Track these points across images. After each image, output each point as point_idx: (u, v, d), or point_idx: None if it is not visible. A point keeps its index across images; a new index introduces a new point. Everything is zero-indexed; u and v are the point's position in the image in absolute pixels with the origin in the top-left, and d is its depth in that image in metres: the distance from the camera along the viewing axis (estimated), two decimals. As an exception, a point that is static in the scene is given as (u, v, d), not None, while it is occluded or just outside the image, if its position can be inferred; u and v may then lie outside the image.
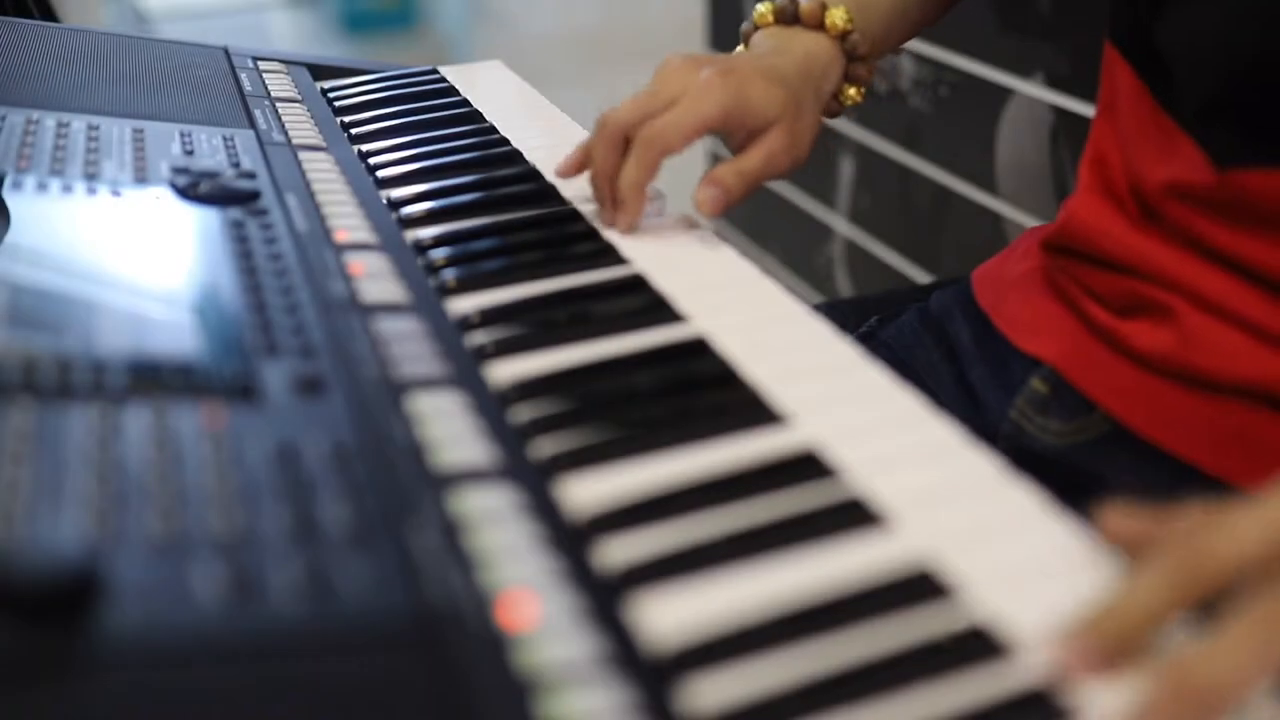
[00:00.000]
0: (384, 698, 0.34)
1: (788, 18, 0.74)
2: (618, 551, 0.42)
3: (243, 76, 0.89)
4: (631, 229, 0.66)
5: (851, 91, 0.76)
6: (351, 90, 0.91)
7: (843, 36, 0.73)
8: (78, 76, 0.84)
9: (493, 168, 0.76)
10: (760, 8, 0.75)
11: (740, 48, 0.77)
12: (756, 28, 0.76)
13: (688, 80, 0.67)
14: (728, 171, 0.68)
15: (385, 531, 0.40)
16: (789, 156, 0.70)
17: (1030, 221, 1.30)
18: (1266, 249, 0.60)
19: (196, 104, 0.83)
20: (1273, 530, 0.37)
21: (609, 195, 0.67)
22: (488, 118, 0.85)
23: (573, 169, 0.71)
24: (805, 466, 0.46)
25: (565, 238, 0.67)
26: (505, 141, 0.81)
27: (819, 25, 0.73)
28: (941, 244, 1.49)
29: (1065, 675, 0.36)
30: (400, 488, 0.43)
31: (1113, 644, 0.36)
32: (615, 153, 0.67)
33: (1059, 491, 0.46)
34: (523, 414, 0.50)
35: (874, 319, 0.83)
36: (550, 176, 0.74)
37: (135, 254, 0.59)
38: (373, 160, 0.77)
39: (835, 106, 0.76)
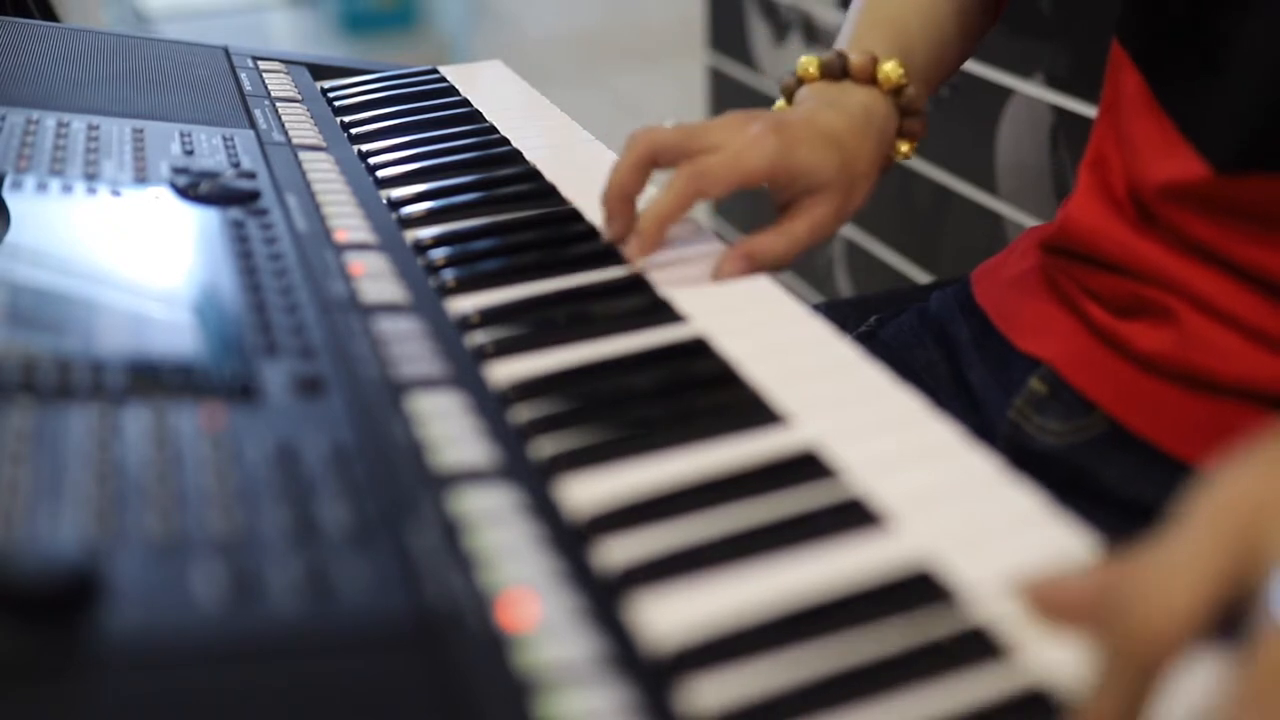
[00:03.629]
0: (384, 698, 0.34)
1: (836, 72, 0.69)
2: (617, 552, 0.42)
3: (243, 76, 0.89)
4: (640, 259, 0.62)
5: (904, 148, 0.72)
6: (351, 90, 0.91)
7: (897, 91, 0.69)
8: (78, 76, 0.84)
9: (493, 168, 0.76)
10: (803, 61, 0.70)
11: (780, 103, 0.72)
12: (800, 82, 0.71)
13: (736, 132, 0.63)
14: (763, 244, 0.64)
15: (385, 532, 0.40)
16: (836, 224, 0.66)
17: (1030, 221, 1.30)
18: (1263, 251, 0.60)
19: (196, 104, 0.83)
20: (1210, 561, 0.34)
21: (619, 212, 0.63)
22: (488, 118, 0.85)
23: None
24: (805, 467, 0.46)
25: (565, 238, 0.67)
26: (505, 141, 0.81)
27: (870, 80, 0.69)
28: (941, 244, 1.49)
29: None
30: (400, 488, 0.43)
31: None
32: (638, 172, 0.63)
33: (1058, 491, 0.46)
34: (523, 414, 0.50)
35: (874, 319, 0.83)
36: (550, 176, 0.74)
37: (135, 254, 0.59)
38: (373, 160, 0.77)
39: (885, 164, 0.71)
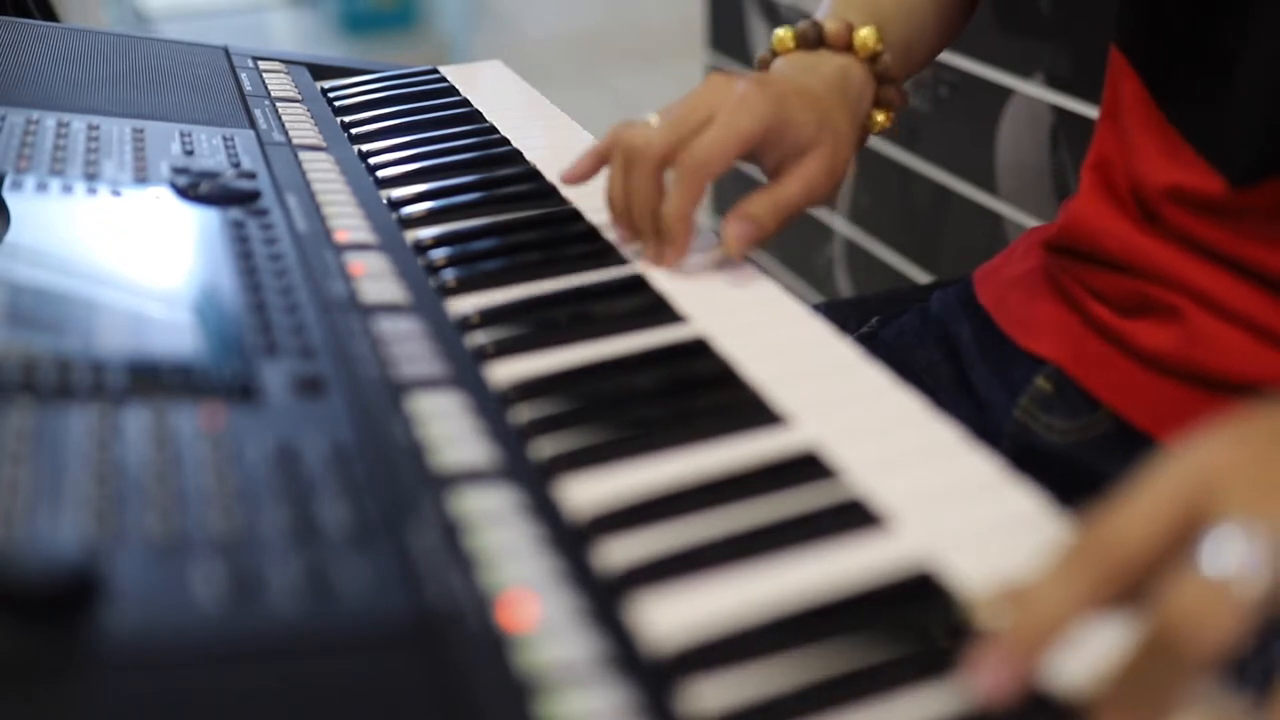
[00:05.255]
0: (384, 698, 0.34)
1: (811, 41, 0.69)
2: (618, 552, 0.42)
3: (243, 76, 0.89)
4: (679, 263, 0.62)
5: (880, 117, 0.71)
6: (351, 90, 0.91)
7: (873, 58, 0.69)
8: (78, 76, 0.84)
9: (493, 168, 0.76)
10: (779, 33, 0.70)
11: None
12: (775, 54, 0.70)
13: (722, 96, 0.62)
14: (760, 204, 0.63)
15: (385, 532, 0.40)
16: (829, 184, 0.65)
17: (1030, 221, 1.30)
18: (1271, 252, 0.60)
19: (196, 104, 0.83)
20: (1167, 502, 0.35)
21: (652, 229, 0.62)
22: (488, 118, 0.85)
23: (582, 175, 0.66)
24: (805, 467, 0.46)
25: (565, 238, 0.67)
26: (505, 141, 0.81)
27: (847, 47, 0.69)
28: (941, 244, 1.49)
29: (980, 692, 0.35)
30: (400, 488, 0.43)
31: (1020, 652, 0.35)
32: (654, 184, 0.62)
33: (1064, 490, 0.46)
34: (523, 414, 0.50)
35: (875, 319, 0.82)
36: (550, 176, 0.74)
37: (135, 254, 0.59)
38: (373, 160, 0.77)
39: (862, 133, 0.71)
